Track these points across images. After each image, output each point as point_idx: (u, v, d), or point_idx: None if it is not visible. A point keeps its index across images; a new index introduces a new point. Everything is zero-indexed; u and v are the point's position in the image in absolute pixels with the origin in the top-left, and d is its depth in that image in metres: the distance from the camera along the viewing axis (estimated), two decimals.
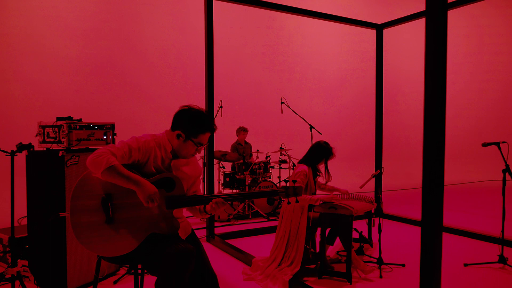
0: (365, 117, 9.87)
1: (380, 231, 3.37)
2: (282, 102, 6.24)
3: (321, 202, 3.13)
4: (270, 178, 6.20)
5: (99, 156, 1.69)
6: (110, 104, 7.63)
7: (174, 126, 1.92)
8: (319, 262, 3.42)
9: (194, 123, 1.87)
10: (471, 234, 4.40)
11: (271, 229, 4.69)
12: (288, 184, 1.86)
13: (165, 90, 8.28)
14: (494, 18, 11.03)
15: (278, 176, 6.54)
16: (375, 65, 5.63)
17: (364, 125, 9.88)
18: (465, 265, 3.42)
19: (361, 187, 3.52)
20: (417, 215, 5.26)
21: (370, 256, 3.60)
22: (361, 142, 9.77)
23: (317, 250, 3.51)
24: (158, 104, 8.08)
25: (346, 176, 7.94)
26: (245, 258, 3.57)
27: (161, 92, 8.24)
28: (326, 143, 3.38)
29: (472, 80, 11.21)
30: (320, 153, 3.36)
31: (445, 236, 4.44)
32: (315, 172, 3.38)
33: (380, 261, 3.34)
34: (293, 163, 6.22)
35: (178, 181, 1.88)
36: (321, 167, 3.44)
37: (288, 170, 6.21)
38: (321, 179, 3.54)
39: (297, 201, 2.01)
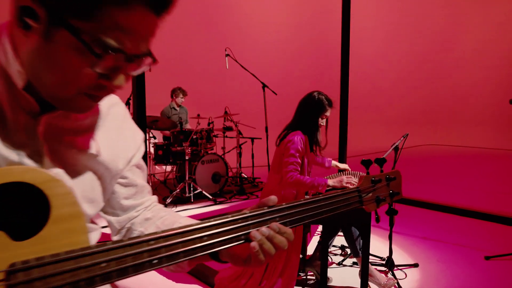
0: (329, 75, 8.83)
1: (392, 224, 2.42)
2: (227, 55, 4.94)
3: (330, 187, 2.05)
4: (213, 149, 4.98)
5: None
6: None
7: None
8: (308, 271, 2.39)
9: None
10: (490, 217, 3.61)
11: None
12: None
13: None
14: None
15: (222, 147, 5.32)
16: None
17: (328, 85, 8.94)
18: (486, 258, 2.68)
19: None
20: None
21: (374, 256, 2.67)
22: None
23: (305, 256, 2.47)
24: None
25: None
26: (199, 273, 2.39)
27: None
28: (320, 93, 2.26)
29: None
30: (314, 109, 2.23)
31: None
32: (312, 142, 2.26)
33: (390, 264, 2.42)
34: (239, 130, 5.04)
35: (65, 192, 0.49)
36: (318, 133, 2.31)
37: (236, 139, 5.02)
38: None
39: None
